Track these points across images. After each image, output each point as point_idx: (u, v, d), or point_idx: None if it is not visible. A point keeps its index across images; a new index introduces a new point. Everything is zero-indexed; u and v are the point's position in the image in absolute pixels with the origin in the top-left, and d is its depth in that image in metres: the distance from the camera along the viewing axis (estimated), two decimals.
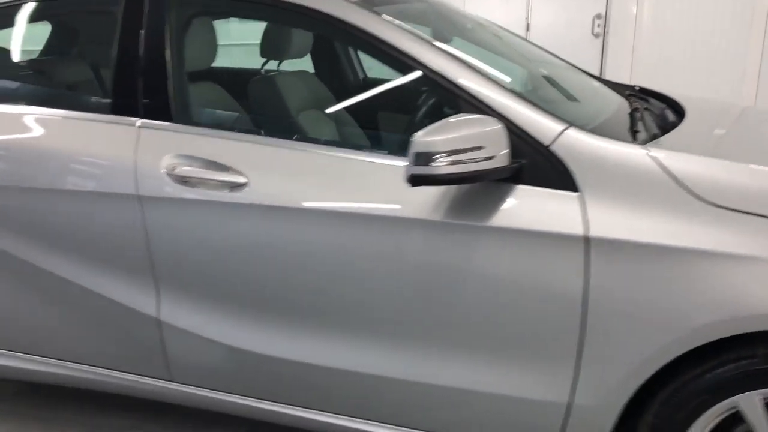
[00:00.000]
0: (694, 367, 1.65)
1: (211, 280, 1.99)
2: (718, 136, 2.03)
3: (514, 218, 1.69)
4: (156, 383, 2.20)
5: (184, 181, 1.95)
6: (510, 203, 1.70)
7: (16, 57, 2.46)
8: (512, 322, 1.74)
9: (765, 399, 1.61)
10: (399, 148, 1.84)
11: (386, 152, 1.87)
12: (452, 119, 1.65)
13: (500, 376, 1.79)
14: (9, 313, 2.25)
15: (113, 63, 2.11)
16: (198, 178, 1.94)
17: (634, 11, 6.73)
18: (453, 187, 1.73)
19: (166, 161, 1.98)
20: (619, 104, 2.23)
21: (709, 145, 1.91)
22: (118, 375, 2.23)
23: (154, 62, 2.05)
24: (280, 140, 1.94)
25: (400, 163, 1.78)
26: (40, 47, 2.72)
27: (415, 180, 1.62)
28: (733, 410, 1.65)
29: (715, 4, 6.04)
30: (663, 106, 2.36)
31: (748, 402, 1.62)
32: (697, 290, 1.57)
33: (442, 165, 1.59)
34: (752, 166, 1.68)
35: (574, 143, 1.71)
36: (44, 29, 2.74)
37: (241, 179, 1.91)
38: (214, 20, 2.28)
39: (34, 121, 2.14)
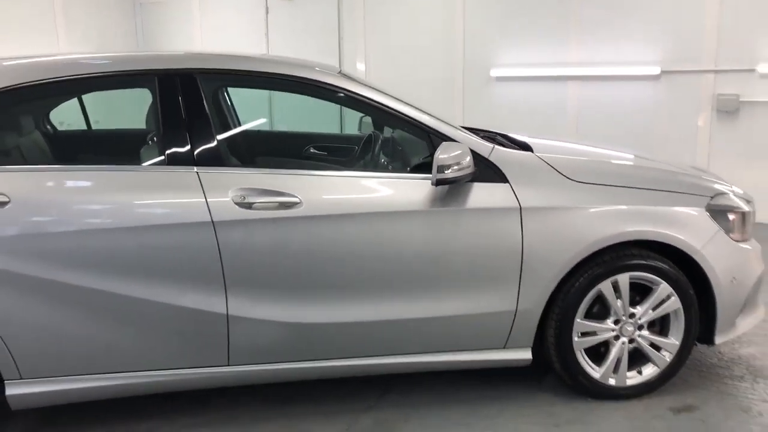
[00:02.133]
0: (578, 275, 2.97)
1: (273, 273, 2.74)
2: (557, 149, 3.42)
3: (479, 201, 2.85)
4: (217, 371, 2.82)
5: (249, 206, 2.70)
6: (476, 193, 2.85)
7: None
8: (483, 262, 2.87)
9: (612, 283, 3.00)
10: (403, 168, 2.88)
11: (392, 172, 2.89)
12: (446, 147, 2.75)
13: (473, 299, 2.91)
14: (96, 343, 2.66)
15: (161, 124, 2.74)
16: (260, 202, 2.70)
17: (364, 67, 8.35)
18: (440, 188, 2.81)
19: (232, 193, 2.69)
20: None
21: (553, 149, 3.28)
22: (182, 372, 2.79)
23: (200, 122, 2.76)
24: (318, 170, 2.82)
25: (400, 179, 2.83)
26: None
27: (439, 182, 2.69)
28: (598, 293, 3.01)
29: (429, 59, 7.91)
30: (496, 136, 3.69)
31: (605, 286, 3.00)
32: (580, 226, 2.90)
33: (451, 172, 2.69)
34: (586, 157, 3.10)
35: (500, 154, 2.95)
36: None
37: (295, 199, 2.73)
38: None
39: (114, 178, 2.67)
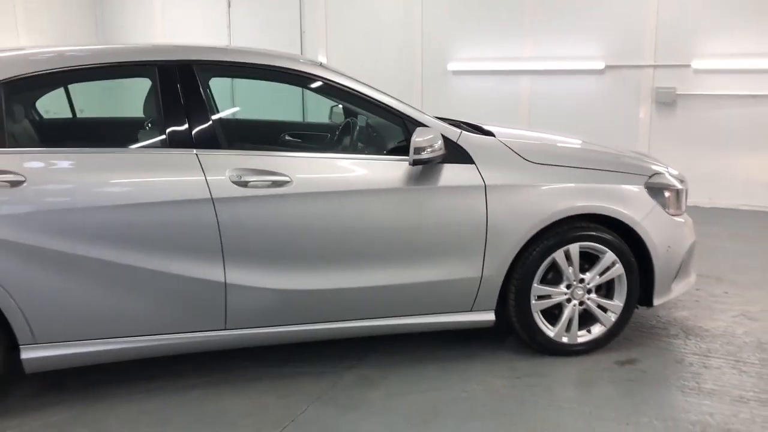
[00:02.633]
0: (535, 245, 3.36)
1: (267, 245, 3.04)
2: (514, 133, 3.81)
3: (450, 180, 3.21)
4: (215, 334, 3.11)
5: (244, 184, 2.99)
6: (446, 172, 3.22)
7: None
8: (453, 234, 3.24)
9: (564, 252, 3.41)
10: (380, 151, 3.23)
11: (372, 155, 3.23)
12: (421, 131, 3.09)
13: (444, 267, 3.27)
14: (105, 310, 2.92)
15: (162, 110, 3.02)
16: (255, 180, 3.00)
17: (325, 61, 8.64)
18: (415, 168, 3.16)
19: (229, 173, 2.99)
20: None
21: (512, 136, 3.67)
22: (183, 336, 3.06)
23: (197, 108, 3.04)
24: (306, 153, 3.14)
25: (379, 160, 3.17)
26: None
27: (415, 162, 3.04)
28: (552, 261, 3.41)
29: (388, 54, 8.25)
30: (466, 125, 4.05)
31: (559, 255, 3.40)
32: (536, 201, 3.29)
33: (426, 154, 3.05)
34: (541, 142, 3.50)
35: (467, 139, 3.31)
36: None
37: (286, 178, 3.04)
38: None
39: (121, 159, 2.93)
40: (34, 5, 8.71)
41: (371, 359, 3.51)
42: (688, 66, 6.98)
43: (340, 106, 4.23)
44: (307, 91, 3.55)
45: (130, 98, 4.45)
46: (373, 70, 8.21)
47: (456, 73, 7.93)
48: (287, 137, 4.25)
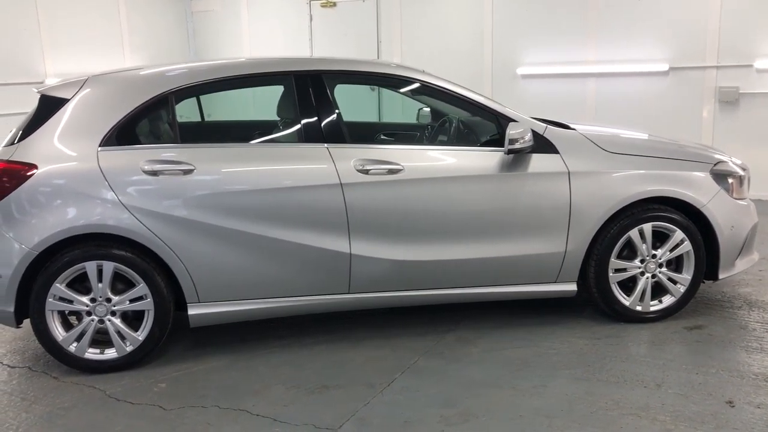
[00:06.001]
0: (612, 224, 3.85)
1: (385, 222, 3.63)
2: (590, 128, 4.32)
3: (538, 167, 3.75)
4: (339, 297, 3.72)
5: (366, 172, 3.60)
6: (535, 161, 3.76)
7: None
8: (541, 214, 3.77)
9: (639, 230, 3.90)
10: (474, 144, 3.80)
11: (469, 146, 3.82)
12: (513, 125, 3.65)
13: (533, 243, 3.80)
14: (253, 275, 3.56)
15: (299, 112, 3.66)
16: (374, 169, 3.61)
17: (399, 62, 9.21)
18: (508, 157, 3.72)
19: (353, 163, 3.60)
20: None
21: (589, 129, 4.17)
22: (314, 298, 3.69)
23: (327, 110, 3.67)
24: (414, 145, 3.74)
25: (477, 151, 3.74)
26: None
27: (510, 152, 3.60)
28: (627, 239, 3.90)
29: (460, 60, 8.78)
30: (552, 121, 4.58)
31: (633, 233, 3.89)
32: (613, 186, 3.80)
33: (518, 144, 3.60)
34: (615, 133, 4.01)
35: (552, 132, 3.85)
36: None
37: (399, 167, 3.63)
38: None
39: (269, 152, 3.59)
40: (136, 24, 9.61)
41: (466, 324, 4.06)
42: (751, 66, 7.30)
43: (427, 108, 4.83)
44: (383, 94, 4.13)
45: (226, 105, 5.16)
46: (445, 75, 8.72)
47: (525, 76, 8.43)
48: (392, 134, 4.87)
